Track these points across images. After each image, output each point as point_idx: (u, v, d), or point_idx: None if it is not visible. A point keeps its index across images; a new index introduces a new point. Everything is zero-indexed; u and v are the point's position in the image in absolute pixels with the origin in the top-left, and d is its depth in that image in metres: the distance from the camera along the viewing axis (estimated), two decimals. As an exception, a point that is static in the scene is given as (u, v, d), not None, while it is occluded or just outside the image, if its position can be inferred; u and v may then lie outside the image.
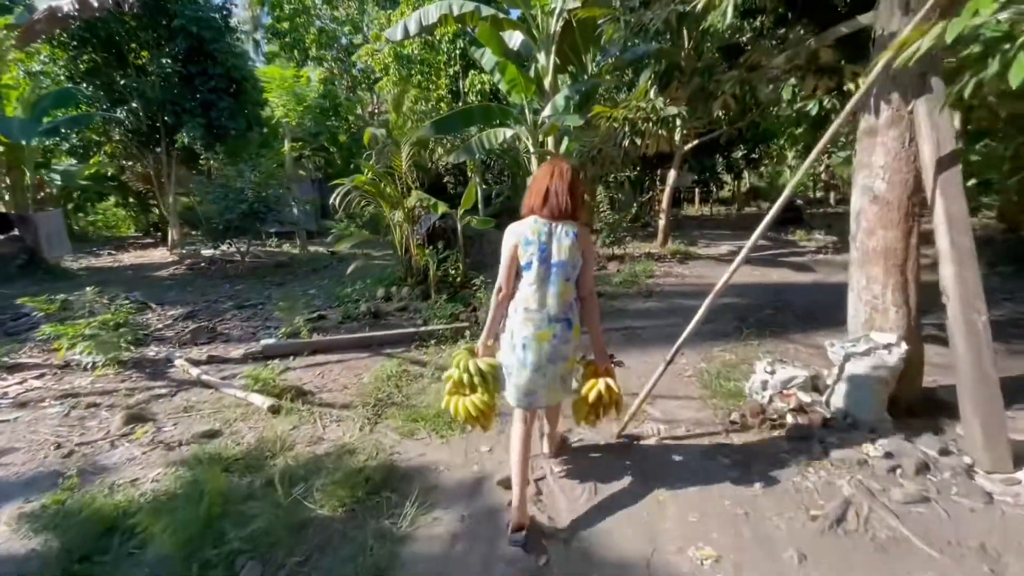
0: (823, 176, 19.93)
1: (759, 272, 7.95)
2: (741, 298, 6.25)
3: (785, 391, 3.11)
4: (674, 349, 2.68)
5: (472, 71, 13.83)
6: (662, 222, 10.93)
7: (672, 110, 6.30)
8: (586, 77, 8.92)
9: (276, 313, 5.73)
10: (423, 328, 4.99)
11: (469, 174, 12.92)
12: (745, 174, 20.30)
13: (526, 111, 9.03)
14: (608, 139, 6.43)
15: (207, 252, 10.34)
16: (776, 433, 2.88)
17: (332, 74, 20.41)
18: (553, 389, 2.17)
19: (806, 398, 3.03)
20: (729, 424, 3.00)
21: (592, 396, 2.18)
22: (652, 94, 6.75)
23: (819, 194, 21.53)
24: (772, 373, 3.25)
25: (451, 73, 14.21)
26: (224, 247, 9.70)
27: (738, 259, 2.65)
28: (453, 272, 6.73)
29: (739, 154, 18.08)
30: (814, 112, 5.47)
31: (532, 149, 8.77)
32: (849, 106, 2.55)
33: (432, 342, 4.73)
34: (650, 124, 6.16)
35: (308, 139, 15.76)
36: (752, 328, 5.01)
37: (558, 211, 2.07)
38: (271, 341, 4.72)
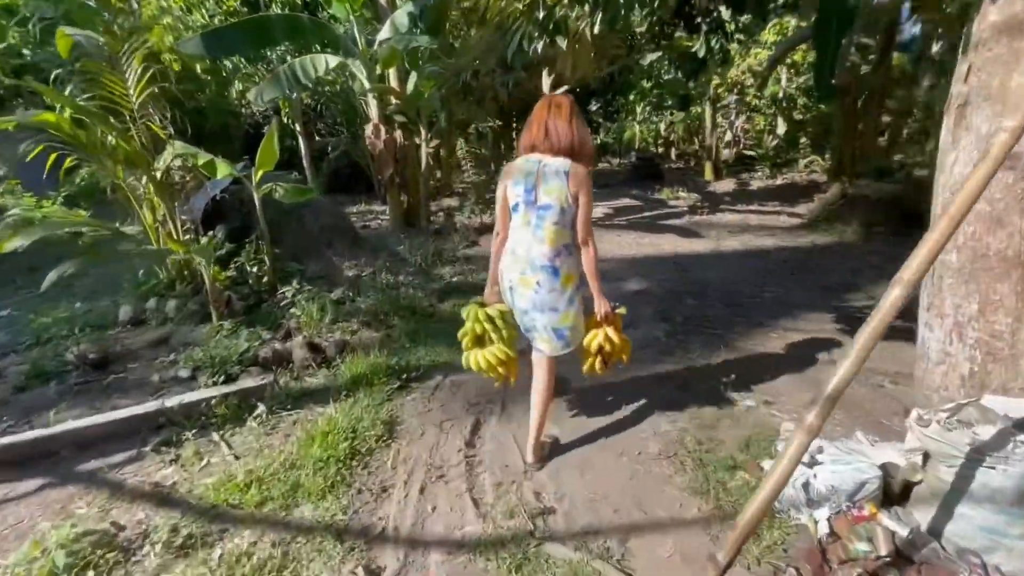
0: (663, 132, 20.51)
1: (648, 241, 6.94)
2: (649, 281, 5.04)
3: (856, 509, 1.74)
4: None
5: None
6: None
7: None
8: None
9: None
10: (171, 403, 2.73)
11: (289, 122, 9.90)
12: (600, 130, 19.86)
13: (357, 35, 6.59)
14: (489, 52, 4.36)
15: None
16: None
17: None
18: (542, 336, 2.08)
19: (896, 527, 1.69)
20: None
21: (594, 346, 2.12)
22: None
23: (660, 150, 22.27)
24: (815, 463, 1.86)
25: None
26: None
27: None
28: (255, 272, 4.40)
29: (595, 107, 17.41)
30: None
31: (368, 85, 6.46)
32: None
33: (191, 433, 2.53)
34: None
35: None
36: (682, 330, 3.76)
37: (558, 146, 1.93)
38: None
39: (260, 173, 4.28)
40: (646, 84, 17.64)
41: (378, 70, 6.48)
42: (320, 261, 5.38)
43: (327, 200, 6.88)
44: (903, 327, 1.85)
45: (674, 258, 5.96)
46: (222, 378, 2.99)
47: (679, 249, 6.37)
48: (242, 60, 9.36)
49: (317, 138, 12.58)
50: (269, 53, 9.18)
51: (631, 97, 17.87)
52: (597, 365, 2.18)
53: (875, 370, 2.97)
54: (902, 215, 6.57)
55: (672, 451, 2.33)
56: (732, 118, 15.41)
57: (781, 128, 16.11)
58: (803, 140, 14.64)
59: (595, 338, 2.12)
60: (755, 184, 12.99)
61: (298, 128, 8.45)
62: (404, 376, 3.05)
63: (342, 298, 4.38)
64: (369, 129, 6.80)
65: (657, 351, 3.42)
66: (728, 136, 15.82)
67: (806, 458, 1.89)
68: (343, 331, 3.79)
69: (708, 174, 14.10)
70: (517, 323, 2.13)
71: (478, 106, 3.84)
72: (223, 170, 4.02)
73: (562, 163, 1.91)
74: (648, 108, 19.05)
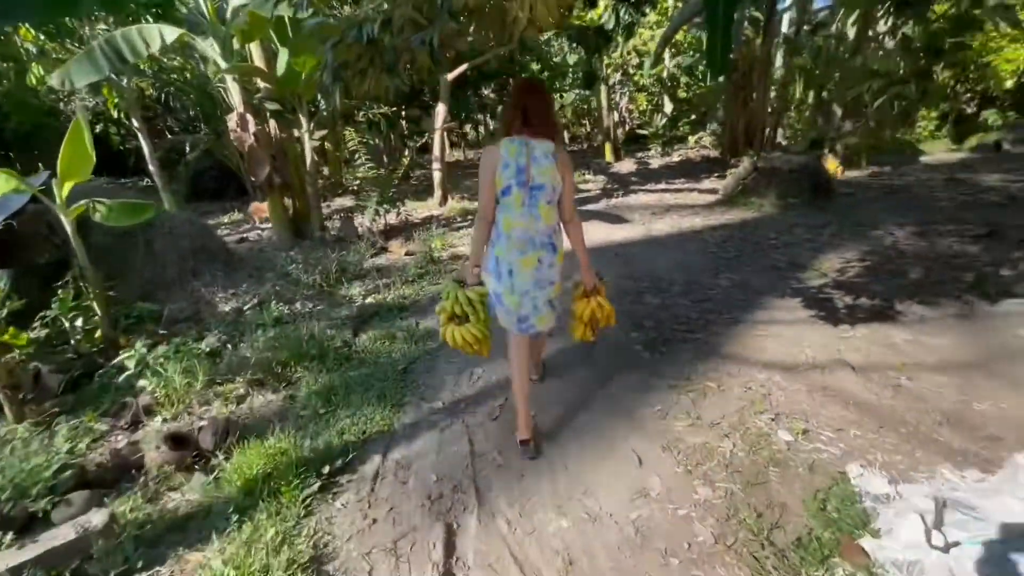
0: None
1: (575, 229, 6.42)
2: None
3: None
4: None
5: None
6: (437, 174, 8.53)
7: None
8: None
9: None
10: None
11: (122, 117, 7.88)
12: (495, 113, 19.20)
13: (205, 5, 5.16)
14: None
15: None
16: None
17: None
18: (542, 315, 2.13)
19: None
20: None
21: (587, 315, 2.17)
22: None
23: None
24: (949, 544, 1.33)
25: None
26: None
27: None
28: (79, 328, 3.09)
29: (487, 90, 16.68)
30: None
31: (224, 65, 5.11)
32: None
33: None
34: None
35: None
36: (659, 338, 3.21)
37: (540, 128, 1.96)
38: None
39: (67, 186, 2.97)
40: (535, 66, 17.30)
41: (235, 45, 5.15)
42: (184, 296, 4.09)
43: (186, 214, 5.43)
44: None
45: (611, 248, 5.47)
46: (11, 532, 1.83)
47: (612, 237, 5.90)
48: (46, 38, 7.23)
49: (170, 136, 10.45)
50: (87, 30, 7.16)
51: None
52: (588, 334, 2.24)
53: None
54: (813, 185, 6.71)
55: (730, 536, 1.70)
56: (617, 99, 15.56)
57: (668, 107, 16.67)
58: (692, 117, 15.21)
59: (587, 308, 2.18)
60: (654, 163, 13.18)
61: (136, 124, 6.68)
62: (325, 468, 2.12)
63: (218, 348, 3.24)
64: (232, 120, 5.44)
65: (647, 373, 2.81)
66: (615, 117, 15.97)
67: (919, 534, 1.34)
68: (224, 401, 2.71)
69: (608, 156, 14.09)
70: (510, 310, 2.13)
71: (389, 75, 2.87)
72: (5, 183, 2.70)
73: (548, 145, 1.96)
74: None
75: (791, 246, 5.07)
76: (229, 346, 3.33)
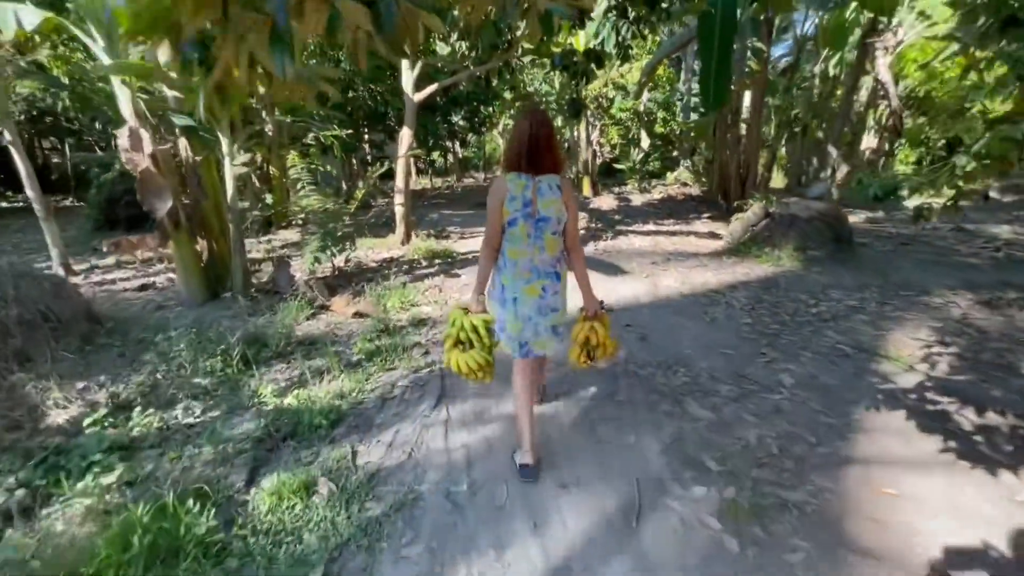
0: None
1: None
2: (606, 368, 3.29)
3: None
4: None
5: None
6: (400, 207, 7.28)
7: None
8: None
9: None
10: None
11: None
12: (465, 141, 18.20)
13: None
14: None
15: None
16: None
17: None
18: (541, 339, 2.16)
19: None
20: None
21: (580, 338, 2.21)
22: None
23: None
24: None
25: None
26: None
27: None
28: None
29: (457, 116, 15.71)
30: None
31: (107, 62, 3.78)
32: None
33: None
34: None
35: None
36: (736, 501, 2.05)
37: (544, 164, 1.98)
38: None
39: None
40: (508, 95, 16.53)
41: (121, 36, 3.83)
42: (-10, 399, 2.66)
43: (18, 263, 3.98)
44: None
45: (618, 314, 4.34)
46: None
47: (616, 294, 4.78)
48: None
49: (76, 152, 8.83)
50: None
51: (494, 107, 16.57)
52: (582, 358, 2.24)
53: None
54: (835, 237, 5.85)
55: None
56: (588, 132, 14.75)
57: (645, 142, 16.12)
58: (674, 153, 14.61)
59: (582, 331, 2.21)
60: (635, 199, 12.36)
61: (6, 136, 5.17)
62: None
63: (25, 504, 1.85)
64: (123, 137, 4.08)
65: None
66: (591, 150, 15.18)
67: None
68: None
69: (586, 190, 13.23)
70: (512, 335, 2.15)
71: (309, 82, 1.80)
72: None
73: (552, 178, 2.00)
74: (509, 119, 17.99)
75: (839, 318, 4.08)
76: (35, 497, 1.93)
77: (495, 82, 7.45)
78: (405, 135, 7.10)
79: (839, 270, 5.40)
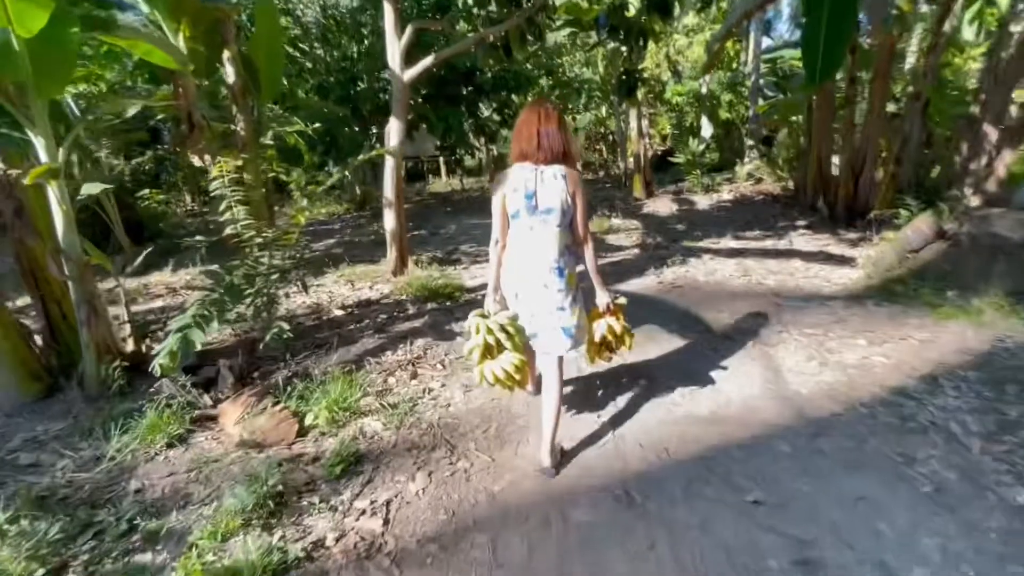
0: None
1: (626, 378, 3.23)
2: None
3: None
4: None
5: None
6: (390, 224, 5.39)
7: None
8: None
9: None
10: None
11: None
12: (495, 137, 16.18)
13: None
14: None
15: None
16: None
17: None
18: (543, 339, 2.10)
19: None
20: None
21: (597, 336, 2.19)
22: None
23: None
24: None
25: None
26: None
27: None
28: None
29: (488, 111, 13.75)
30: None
31: None
32: None
33: None
34: None
35: None
36: None
37: (551, 154, 1.97)
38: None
39: None
40: (544, 81, 14.43)
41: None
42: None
43: None
44: None
45: (731, 454, 2.25)
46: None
47: (715, 400, 2.70)
48: None
49: None
50: None
51: (528, 96, 14.48)
52: (604, 354, 2.24)
53: None
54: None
55: None
56: (640, 121, 12.30)
57: (707, 130, 13.62)
58: (749, 144, 12.04)
59: (597, 328, 2.19)
60: (699, 201, 9.99)
61: None
62: None
63: None
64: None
65: None
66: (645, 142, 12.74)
67: None
68: None
69: (638, 190, 10.96)
70: (523, 327, 2.11)
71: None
72: None
73: (557, 168, 1.97)
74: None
75: None
76: None
77: (516, 54, 5.39)
78: (394, 128, 5.20)
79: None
